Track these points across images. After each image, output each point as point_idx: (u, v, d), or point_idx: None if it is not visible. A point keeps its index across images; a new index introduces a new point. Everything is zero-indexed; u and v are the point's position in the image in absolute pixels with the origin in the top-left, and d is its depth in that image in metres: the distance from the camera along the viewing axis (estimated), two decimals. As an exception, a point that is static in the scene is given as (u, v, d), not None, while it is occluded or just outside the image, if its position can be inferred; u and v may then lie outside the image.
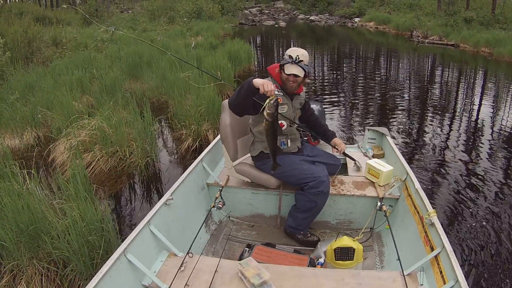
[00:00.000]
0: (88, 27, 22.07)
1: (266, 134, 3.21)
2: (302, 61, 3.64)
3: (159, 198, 3.71)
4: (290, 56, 3.63)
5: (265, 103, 2.98)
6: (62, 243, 3.70)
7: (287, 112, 3.83)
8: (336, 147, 4.33)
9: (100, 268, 2.69)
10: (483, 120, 9.55)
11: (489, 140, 8.15)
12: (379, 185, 4.16)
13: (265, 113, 3.00)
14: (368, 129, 5.30)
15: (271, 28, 36.61)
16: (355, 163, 4.64)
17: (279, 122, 3.70)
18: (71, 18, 26.85)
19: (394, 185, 4.11)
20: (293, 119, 3.96)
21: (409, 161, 6.32)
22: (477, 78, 15.22)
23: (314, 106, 4.85)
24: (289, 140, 3.96)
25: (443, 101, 11.65)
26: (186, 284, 2.89)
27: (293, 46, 3.77)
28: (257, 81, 3.16)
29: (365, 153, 5.05)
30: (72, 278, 3.81)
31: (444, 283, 2.64)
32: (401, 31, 28.61)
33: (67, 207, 4.02)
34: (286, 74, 3.66)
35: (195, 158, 4.47)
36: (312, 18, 42.29)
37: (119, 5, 41.77)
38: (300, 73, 3.64)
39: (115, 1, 43.28)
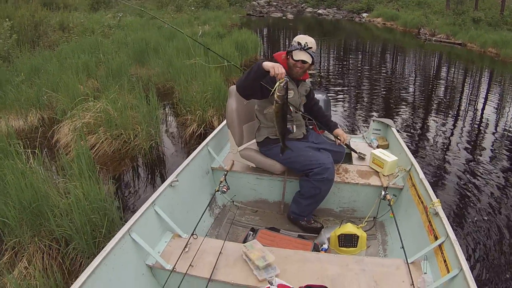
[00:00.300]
0: (96, 13, 22.03)
1: (275, 116, 3.23)
2: (310, 48, 3.66)
3: (162, 181, 3.72)
4: (299, 43, 3.64)
5: (275, 86, 3.00)
6: (65, 221, 3.71)
7: (293, 98, 3.82)
8: (338, 137, 4.32)
9: (103, 246, 2.68)
10: (488, 116, 9.56)
11: (493, 134, 8.25)
12: (383, 175, 4.16)
13: (275, 96, 3.03)
14: (374, 120, 5.30)
15: (278, 20, 36.48)
16: (358, 153, 4.65)
17: None
18: (78, 4, 26.76)
19: (398, 175, 4.11)
20: (298, 105, 3.97)
21: (414, 153, 6.34)
22: (483, 77, 15.18)
23: (320, 96, 4.86)
24: (294, 126, 3.95)
25: (448, 97, 11.65)
26: (190, 265, 2.88)
27: None
28: (267, 64, 3.16)
29: (370, 143, 5.04)
30: (74, 256, 3.82)
31: (448, 272, 2.65)
32: (408, 28, 28.39)
33: (71, 186, 4.03)
34: (294, 60, 3.67)
35: (199, 143, 4.47)
36: (320, 11, 42.05)
37: (127, -7, 41.62)
38: (308, 59, 3.66)
39: (123, -11, 43.08)
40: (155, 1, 29.93)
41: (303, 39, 3.66)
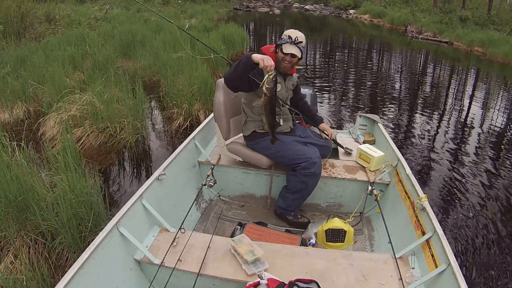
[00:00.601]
0: (82, 5, 21.87)
1: (264, 109, 3.26)
2: (301, 42, 3.67)
3: (148, 175, 3.71)
4: (290, 37, 3.65)
5: (265, 78, 3.02)
6: (51, 215, 3.68)
7: (280, 92, 3.80)
8: (325, 131, 4.34)
9: (89, 240, 2.67)
10: (473, 113, 9.69)
11: (479, 129, 8.43)
12: (370, 170, 4.18)
13: (264, 88, 3.05)
14: (360, 116, 5.32)
15: (265, 15, 36.44)
16: (345, 149, 4.67)
17: None
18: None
19: (384, 171, 4.14)
20: (285, 99, 3.98)
21: (400, 149, 6.39)
22: (469, 76, 15.34)
23: (307, 91, 4.89)
24: (281, 120, 3.94)
25: (434, 94, 11.74)
26: (178, 259, 2.88)
27: None
28: (257, 56, 3.16)
29: (356, 139, 5.06)
30: (60, 250, 3.79)
31: (436, 267, 2.67)
32: (395, 25, 28.47)
33: (57, 179, 3.99)
34: (284, 54, 3.66)
35: (186, 137, 4.44)
36: (307, 7, 42.06)
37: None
38: (298, 53, 3.66)
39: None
40: (142, -6, 29.72)
41: (293, 33, 3.67)
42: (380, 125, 5.01)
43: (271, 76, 3.01)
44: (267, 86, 3.04)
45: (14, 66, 8.50)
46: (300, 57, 3.71)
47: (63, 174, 4.08)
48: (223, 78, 3.63)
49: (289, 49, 3.63)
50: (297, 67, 3.98)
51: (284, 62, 3.70)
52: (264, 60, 3.09)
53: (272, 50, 3.79)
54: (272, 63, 3.10)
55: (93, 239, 2.65)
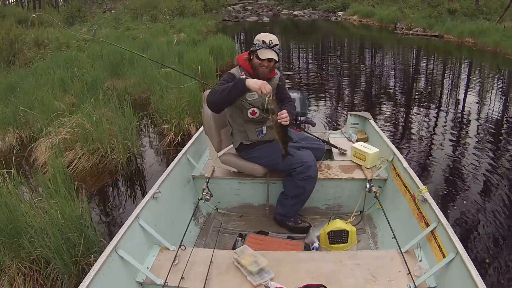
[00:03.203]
0: (70, 28, 21.89)
1: (275, 126, 3.35)
2: (276, 45, 3.58)
3: (143, 194, 3.64)
4: (264, 41, 3.55)
5: (266, 102, 3.18)
6: (41, 241, 3.59)
7: (257, 99, 3.67)
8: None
9: (81, 264, 2.58)
10: (469, 103, 9.74)
11: (476, 117, 8.56)
12: (366, 168, 4.15)
13: (269, 110, 3.19)
14: (350, 114, 5.32)
15: (254, 24, 36.37)
16: (339, 149, 4.64)
17: (251, 109, 3.70)
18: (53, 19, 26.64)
19: (381, 167, 4.12)
20: (264, 106, 3.86)
21: (397, 144, 6.42)
22: (462, 67, 15.42)
23: (296, 95, 4.87)
24: (264, 128, 3.84)
25: (429, 88, 11.80)
26: (181, 277, 2.81)
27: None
28: (254, 85, 3.20)
29: (349, 138, 5.04)
30: (54, 277, 3.71)
31: (444, 257, 2.65)
32: (385, 23, 28.61)
33: (46, 205, 3.91)
34: (260, 60, 3.56)
35: (178, 152, 4.38)
36: (295, 13, 42.17)
37: (102, 5, 41.24)
38: (275, 57, 3.57)
39: (98, 1, 42.70)
40: (131, 12, 29.85)
41: (266, 37, 3.56)
42: (371, 121, 5.01)
43: (270, 98, 3.15)
44: (271, 107, 3.16)
45: (4, 93, 8.50)
46: (277, 60, 3.62)
47: (52, 200, 4.00)
48: (207, 99, 3.56)
49: (265, 54, 3.53)
50: (288, 73, 3.90)
51: (261, 68, 3.59)
52: (261, 88, 3.15)
53: (245, 57, 3.72)
54: (270, 88, 3.19)
55: (87, 262, 2.59)
